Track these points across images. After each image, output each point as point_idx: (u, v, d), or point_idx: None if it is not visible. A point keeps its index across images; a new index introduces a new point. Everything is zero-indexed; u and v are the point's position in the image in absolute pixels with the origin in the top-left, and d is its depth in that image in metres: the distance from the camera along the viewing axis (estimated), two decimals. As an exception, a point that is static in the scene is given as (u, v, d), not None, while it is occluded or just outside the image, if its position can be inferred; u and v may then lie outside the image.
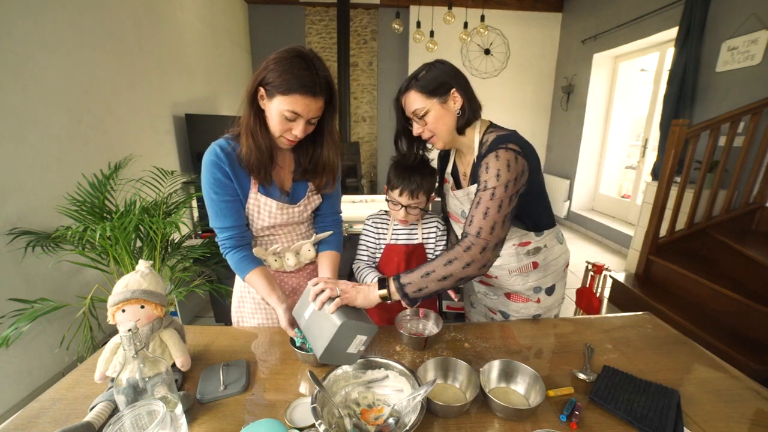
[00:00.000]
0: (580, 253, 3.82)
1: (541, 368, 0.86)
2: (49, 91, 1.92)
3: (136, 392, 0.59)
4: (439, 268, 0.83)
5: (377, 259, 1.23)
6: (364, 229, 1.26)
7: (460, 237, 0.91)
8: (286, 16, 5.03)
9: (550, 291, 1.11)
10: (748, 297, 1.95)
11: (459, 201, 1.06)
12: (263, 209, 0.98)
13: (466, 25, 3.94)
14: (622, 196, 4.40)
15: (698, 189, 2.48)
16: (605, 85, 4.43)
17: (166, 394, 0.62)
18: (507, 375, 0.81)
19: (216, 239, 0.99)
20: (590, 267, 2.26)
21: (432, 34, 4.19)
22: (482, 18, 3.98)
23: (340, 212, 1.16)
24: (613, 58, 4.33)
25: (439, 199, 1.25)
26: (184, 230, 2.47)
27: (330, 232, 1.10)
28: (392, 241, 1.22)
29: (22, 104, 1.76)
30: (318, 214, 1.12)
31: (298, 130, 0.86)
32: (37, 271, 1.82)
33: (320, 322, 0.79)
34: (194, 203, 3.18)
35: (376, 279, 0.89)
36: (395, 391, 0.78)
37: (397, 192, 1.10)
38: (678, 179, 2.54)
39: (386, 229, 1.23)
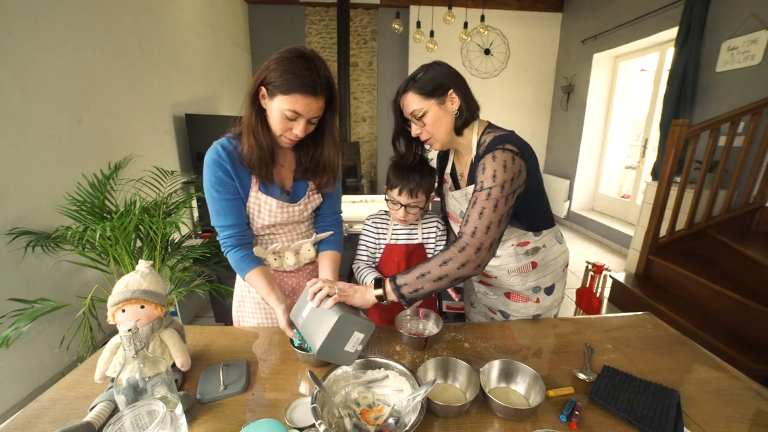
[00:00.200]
0: (580, 253, 3.82)
1: (541, 368, 0.86)
2: (49, 91, 1.92)
3: (136, 392, 0.59)
4: (435, 268, 0.84)
5: (377, 260, 1.23)
6: (363, 229, 1.26)
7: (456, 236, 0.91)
8: (286, 16, 5.03)
9: (549, 291, 1.11)
10: (748, 297, 1.95)
11: (457, 201, 1.06)
12: (263, 208, 0.98)
13: (466, 25, 3.94)
14: (622, 196, 4.40)
15: (698, 189, 2.48)
16: (605, 85, 4.43)
17: (166, 394, 0.62)
18: (507, 375, 0.81)
19: (217, 238, 0.99)
20: (590, 267, 2.26)
21: (432, 34, 4.19)
22: (482, 18, 3.98)
23: (341, 212, 1.16)
24: (613, 58, 4.33)
25: (438, 199, 1.25)
26: (184, 230, 2.46)
27: (330, 233, 1.10)
28: (392, 241, 1.22)
29: (22, 104, 1.76)
30: (318, 213, 1.12)
31: (298, 130, 0.87)
32: (37, 271, 1.82)
33: (318, 318, 0.80)
34: (194, 203, 3.18)
35: (373, 279, 0.89)
36: (395, 391, 0.78)
37: (396, 191, 1.11)
38: (678, 179, 2.54)
39: (386, 229, 1.23)
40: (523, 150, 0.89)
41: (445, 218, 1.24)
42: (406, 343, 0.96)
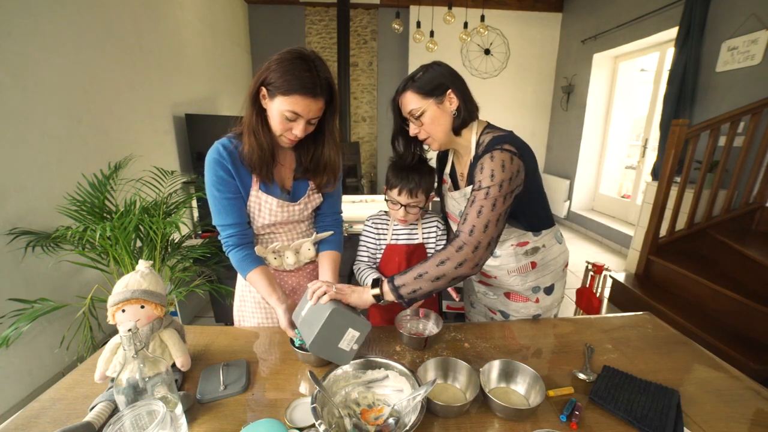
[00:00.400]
0: (580, 253, 3.82)
1: (541, 368, 0.86)
2: (49, 91, 1.92)
3: (136, 392, 0.59)
4: (432, 268, 0.84)
5: (378, 260, 1.23)
6: (364, 230, 1.26)
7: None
8: (286, 16, 5.03)
9: (549, 291, 1.11)
10: (748, 297, 1.95)
11: (457, 202, 1.06)
12: (264, 207, 0.98)
13: (466, 25, 3.94)
14: (622, 196, 4.40)
15: (698, 189, 2.47)
16: (605, 85, 4.43)
17: (166, 394, 0.62)
18: (507, 375, 0.81)
19: (219, 237, 0.99)
20: (590, 267, 2.26)
21: (432, 34, 4.19)
22: (482, 18, 3.98)
23: (341, 212, 1.16)
24: (613, 58, 4.33)
25: (438, 199, 1.25)
26: (184, 230, 2.46)
27: (330, 233, 1.11)
28: (393, 242, 1.22)
29: (22, 104, 1.76)
30: (318, 213, 1.12)
31: (298, 130, 0.88)
32: (37, 271, 1.82)
33: (314, 314, 0.82)
34: (194, 203, 3.18)
35: (371, 280, 0.89)
36: (395, 391, 0.78)
37: (395, 191, 1.11)
38: (678, 179, 2.54)
39: (386, 229, 1.23)
40: (521, 150, 0.89)
41: (445, 218, 1.24)
42: (406, 343, 0.96)
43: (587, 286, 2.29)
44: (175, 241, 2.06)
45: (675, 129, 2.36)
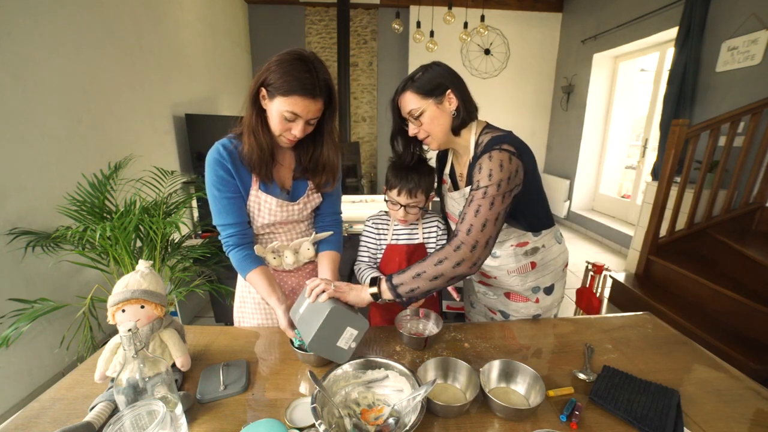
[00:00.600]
0: (580, 253, 3.82)
1: (541, 368, 0.86)
2: (49, 91, 1.92)
3: (136, 392, 0.59)
4: (430, 268, 0.84)
5: (378, 260, 1.24)
6: (364, 230, 1.26)
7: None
8: (286, 16, 5.03)
9: (548, 291, 1.11)
10: (748, 297, 1.95)
11: (456, 202, 1.07)
12: (263, 206, 0.99)
13: (466, 25, 3.94)
14: (622, 196, 4.40)
15: (698, 189, 2.47)
16: (605, 85, 4.43)
17: (166, 394, 0.62)
18: (507, 375, 0.81)
19: (219, 237, 1.00)
20: (590, 267, 2.26)
21: (432, 34, 4.19)
22: (482, 18, 3.98)
23: (341, 212, 1.17)
24: (613, 58, 4.33)
25: (438, 199, 1.25)
26: (184, 230, 2.46)
27: (330, 233, 1.11)
28: (393, 242, 1.22)
29: (22, 104, 1.76)
30: (318, 213, 1.12)
31: (297, 130, 0.88)
32: (37, 271, 1.82)
33: (312, 312, 0.82)
34: (194, 203, 3.18)
35: (369, 278, 0.89)
36: (395, 391, 0.78)
37: (395, 192, 1.11)
38: (678, 179, 2.54)
39: (386, 229, 1.23)
40: (520, 150, 0.89)
41: (445, 218, 1.24)
42: (406, 343, 0.96)
43: (587, 286, 2.29)
44: (175, 241, 2.06)
45: (675, 129, 2.36)
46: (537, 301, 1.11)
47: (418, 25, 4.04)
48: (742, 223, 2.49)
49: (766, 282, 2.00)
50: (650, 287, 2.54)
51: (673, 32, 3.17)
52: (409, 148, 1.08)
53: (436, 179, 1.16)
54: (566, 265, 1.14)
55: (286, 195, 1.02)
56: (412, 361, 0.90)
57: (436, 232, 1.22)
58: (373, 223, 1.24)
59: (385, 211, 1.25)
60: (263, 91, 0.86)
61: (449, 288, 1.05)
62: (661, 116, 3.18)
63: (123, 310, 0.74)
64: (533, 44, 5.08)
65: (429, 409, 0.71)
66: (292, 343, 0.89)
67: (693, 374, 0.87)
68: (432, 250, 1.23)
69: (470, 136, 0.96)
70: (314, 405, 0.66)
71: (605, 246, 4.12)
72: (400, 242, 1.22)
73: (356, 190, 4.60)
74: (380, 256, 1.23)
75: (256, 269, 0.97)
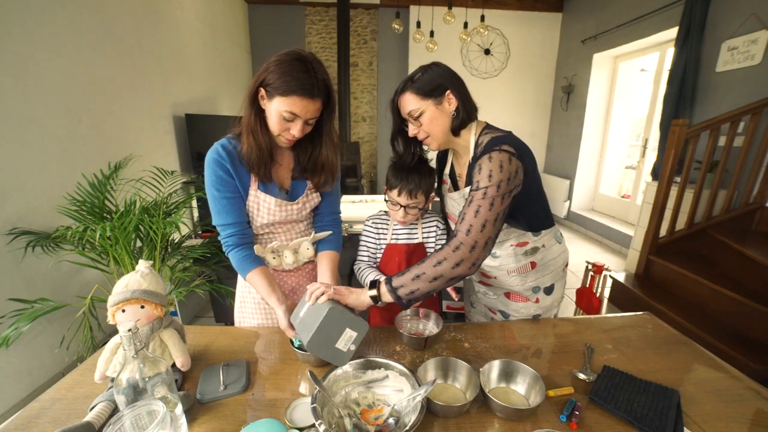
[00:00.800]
0: (580, 253, 3.82)
1: (541, 368, 0.86)
2: (49, 91, 1.92)
3: (136, 392, 0.59)
4: (430, 269, 0.84)
5: (378, 260, 1.24)
6: (364, 230, 1.26)
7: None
8: (286, 16, 5.03)
9: (548, 291, 1.11)
10: (748, 297, 1.95)
11: (456, 203, 1.07)
12: (262, 206, 0.99)
13: (466, 25, 3.94)
14: (622, 196, 4.40)
15: (698, 189, 2.47)
16: (605, 85, 4.43)
17: (166, 394, 0.62)
18: (507, 375, 0.81)
19: (219, 237, 1.00)
20: (590, 267, 2.26)
21: (432, 34, 4.19)
22: (482, 18, 3.98)
23: (340, 212, 1.17)
24: (613, 58, 4.33)
25: (438, 199, 1.25)
26: (184, 230, 2.46)
27: (329, 232, 1.11)
28: (393, 241, 1.22)
29: (22, 104, 1.76)
30: (317, 213, 1.12)
31: (295, 130, 0.89)
32: (37, 271, 1.82)
33: (312, 314, 0.82)
34: (194, 203, 3.18)
35: (369, 281, 0.89)
36: (395, 391, 0.78)
37: (395, 192, 1.11)
38: (678, 179, 2.54)
39: (386, 229, 1.23)
40: (520, 151, 0.89)
41: (445, 218, 1.24)
42: (406, 343, 0.96)
43: (587, 286, 2.29)
44: (175, 241, 2.06)
45: (675, 129, 2.36)
46: (537, 301, 1.11)
47: (418, 25, 4.04)
48: (742, 223, 2.49)
49: (766, 282, 2.00)
50: (650, 287, 2.54)
51: (673, 32, 3.17)
52: (409, 148, 1.08)
53: (436, 180, 1.16)
54: (566, 265, 1.14)
55: (285, 195, 1.02)
56: (412, 361, 0.90)
57: (435, 232, 1.22)
58: (372, 222, 1.24)
59: (385, 211, 1.25)
60: (262, 92, 0.87)
61: (448, 288, 1.05)
62: (661, 116, 3.18)
63: (123, 310, 0.74)
64: (533, 44, 5.08)
65: (429, 409, 0.71)
66: (292, 343, 0.89)
67: (693, 374, 0.87)
68: (431, 250, 1.23)
69: (470, 137, 0.96)
70: (314, 405, 0.66)
71: (605, 246, 4.12)
72: (400, 242, 1.22)
73: (356, 190, 4.60)
74: (380, 255, 1.23)
75: (255, 269, 0.97)
